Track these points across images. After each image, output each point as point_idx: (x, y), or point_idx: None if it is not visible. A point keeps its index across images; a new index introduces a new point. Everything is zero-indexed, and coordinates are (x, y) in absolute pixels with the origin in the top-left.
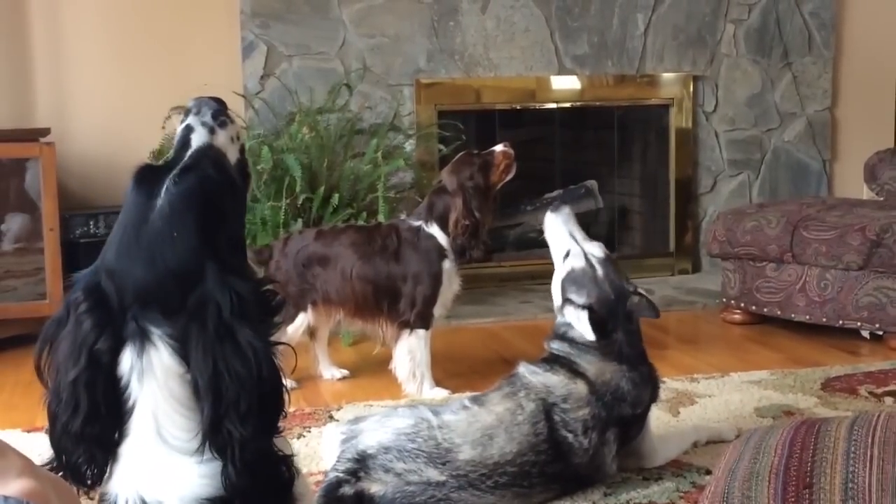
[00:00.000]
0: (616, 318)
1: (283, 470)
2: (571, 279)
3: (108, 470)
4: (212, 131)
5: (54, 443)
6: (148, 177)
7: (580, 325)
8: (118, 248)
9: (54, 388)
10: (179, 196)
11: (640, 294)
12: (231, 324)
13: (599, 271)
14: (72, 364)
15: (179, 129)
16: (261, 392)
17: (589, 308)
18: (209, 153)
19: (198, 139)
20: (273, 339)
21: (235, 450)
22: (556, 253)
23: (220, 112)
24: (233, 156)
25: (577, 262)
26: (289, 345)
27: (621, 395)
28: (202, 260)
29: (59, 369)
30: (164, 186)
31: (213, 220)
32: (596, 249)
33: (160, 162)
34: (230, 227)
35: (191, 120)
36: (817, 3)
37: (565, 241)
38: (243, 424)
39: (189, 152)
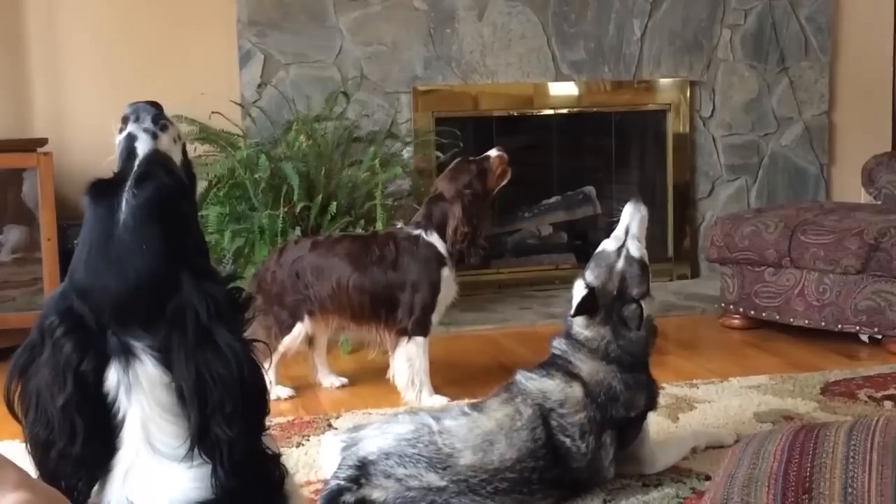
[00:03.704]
0: (610, 315)
1: (272, 469)
2: (597, 256)
3: (98, 483)
4: (154, 136)
5: (49, 469)
6: (104, 191)
7: (574, 298)
8: (87, 268)
9: (39, 416)
10: (141, 207)
11: (639, 305)
12: (209, 328)
13: (620, 264)
14: (58, 389)
15: (120, 138)
16: (244, 392)
17: (591, 289)
18: (157, 159)
19: (143, 146)
20: (247, 336)
21: (224, 452)
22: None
23: (159, 116)
24: (177, 157)
25: (610, 246)
26: (264, 342)
27: (614, 395)
28: (174, 267)
29: (43, 396)
30: (123, 199)
31: (178, 227)
32: (634, 248)
33: (111, 174)
34: (192, 230)
35: (131, 128)
36: (813, 7)
37: (620, 227)
38: (229, 426)
39: (137, 161)
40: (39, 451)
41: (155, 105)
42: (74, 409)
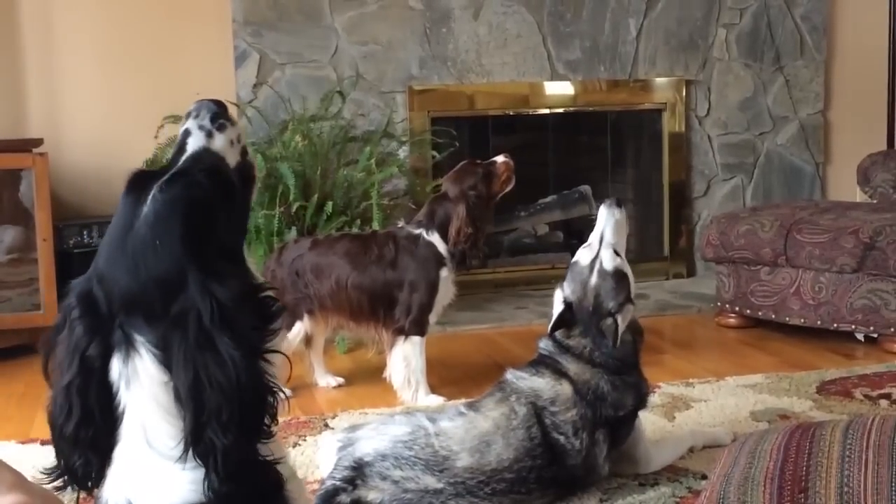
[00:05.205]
0: (588, 328)
1: (267, 474)
2: (572, 269)
3: (106, 473)
4: (209, 135)
5: (55, 446)
6: (140, 183)
7: (554, 310)
8: (106, 255)
9: (53, 393)
10: (164, 204)
11: (615, 320)
12: (211, 332)
13: (593, 280)
14: (66, 369)
15: (179, 132)
16: (241, 401)
17: (568, 304)
18: (204, 158)
19: (194, 143)
20: (269, 346)
21: (218, 458)
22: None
23: (219, 115)
24: (233, 159)
25: (584, 259)
26: (283, 353)
27: (602, 395)
28: (185, 268)
29: (56, 374)
30: (151, 194)
31: (199, 228)
32: (607, 260)
33: (157, 167)
34: (220, 233)
35: (189, 123)
36: (809, 6)
37: (594, 234)
38: (225, 433)
39: (184, 157)
40: (49, 427)
41: (218, 104)
42: (75, 391)
